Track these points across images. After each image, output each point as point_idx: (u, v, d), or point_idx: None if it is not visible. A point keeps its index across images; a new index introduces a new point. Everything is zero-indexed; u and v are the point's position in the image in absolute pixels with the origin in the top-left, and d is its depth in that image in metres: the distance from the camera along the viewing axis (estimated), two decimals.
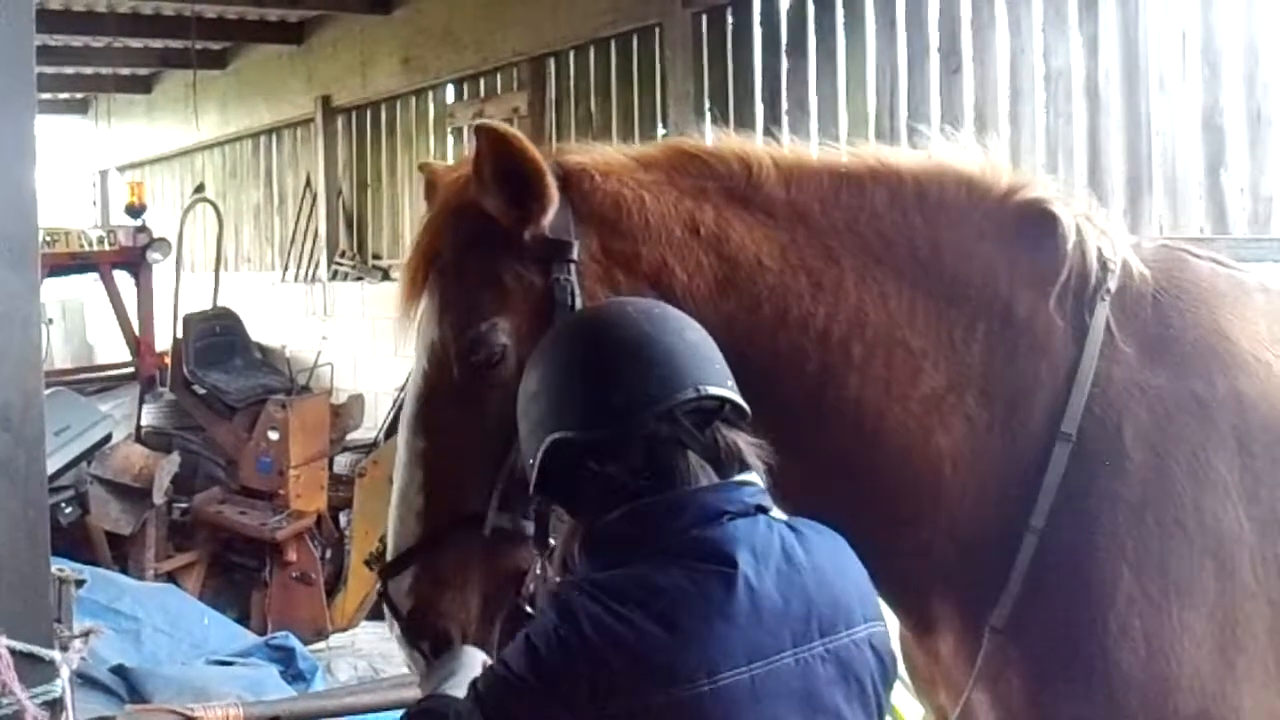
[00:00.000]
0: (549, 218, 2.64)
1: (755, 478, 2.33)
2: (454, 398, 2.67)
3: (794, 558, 2.24)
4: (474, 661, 2.56)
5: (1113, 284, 2.75)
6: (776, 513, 2.37)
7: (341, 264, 15.18)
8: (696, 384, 2.30)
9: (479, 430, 2.64)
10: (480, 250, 2.69)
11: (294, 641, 7.25)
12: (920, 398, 2.72)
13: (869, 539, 2.74)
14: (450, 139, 13.71)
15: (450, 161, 13.31)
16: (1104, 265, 2.77)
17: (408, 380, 2.82)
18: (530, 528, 2.61)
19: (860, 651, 2.26)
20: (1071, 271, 2.75)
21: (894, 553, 2.78)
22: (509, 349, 2.62)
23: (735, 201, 2.76)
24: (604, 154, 2.82)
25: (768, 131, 9.80)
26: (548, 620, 2.20)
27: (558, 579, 2.41)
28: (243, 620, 9.20)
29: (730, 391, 2.34)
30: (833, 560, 2.31)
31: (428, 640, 2.66)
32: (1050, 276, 2.75)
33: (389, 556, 2.72)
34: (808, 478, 2.70)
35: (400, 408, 8.62)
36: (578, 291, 2.64)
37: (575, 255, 2.65)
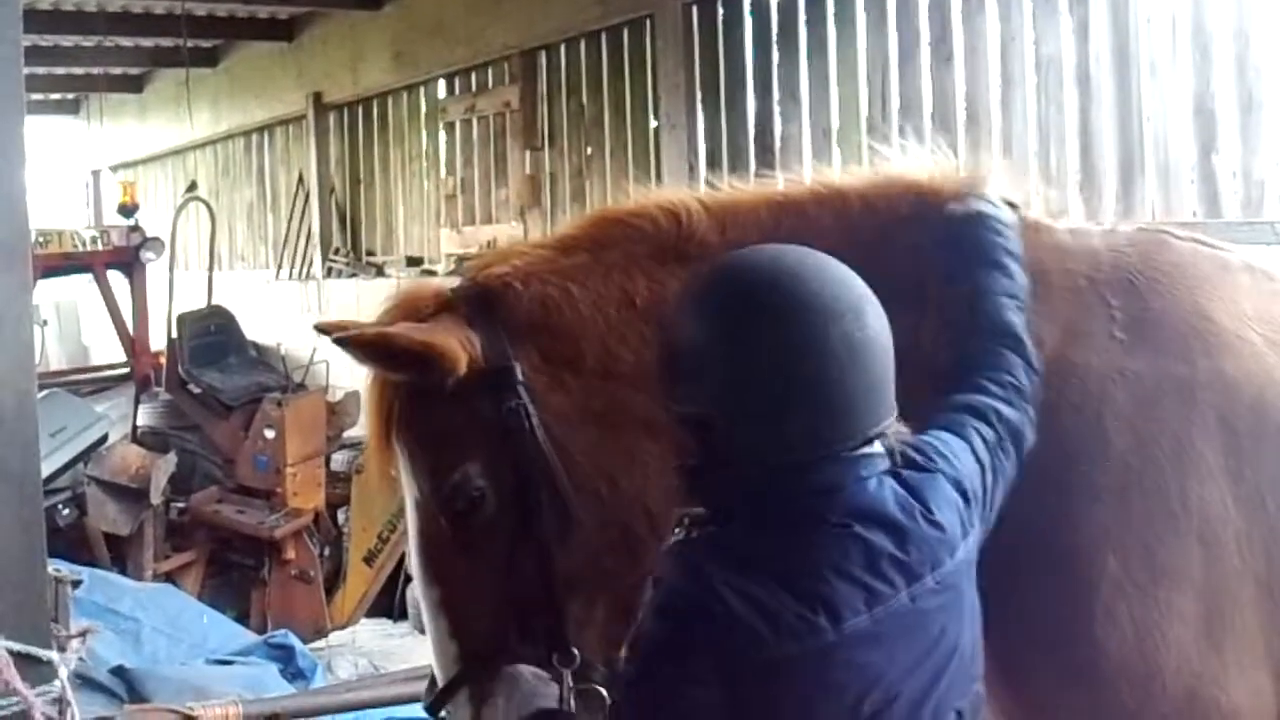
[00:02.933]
0: (463, 367, 2.61)
1: (877, 447, 2.31)
2: (450, 546, 2.69)
3: (907, 507, 2.28)
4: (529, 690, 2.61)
5: (1082, 270, 2.75)
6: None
7: (335, 261, 15.17)
8: (866, 430, 2.27)
9: (481, 570, 2.67)
10: (428, 401, 2.68)
11: (293, 640, 7.25)
12: None
13: None
14: (442, 134, 13.70)
15: (443, 154, 13.31)
16: (1065, 253, 2.76)
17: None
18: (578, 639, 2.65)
19: (965, 568, 2.35)
20: (1033, 261, 2.73)
21: None
22: (486, 489, 2.63)
23: (669, 258, 2.73)
24: (523, 255, 2.80)
25: (760, 123, 9.83)
26: (680, 586, 2.24)
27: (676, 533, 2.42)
28: (242, 619, 9.20)
29: (888, 424, 2.31)
30: (935, 498, 2.33)
31: None
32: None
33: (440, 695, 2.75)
34: None
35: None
36: (532, 410, 2.63)
37: (519, 375, 2.65)
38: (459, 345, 2.62)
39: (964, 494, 2.37)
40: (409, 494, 2.77)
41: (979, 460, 2.44)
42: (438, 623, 2.73)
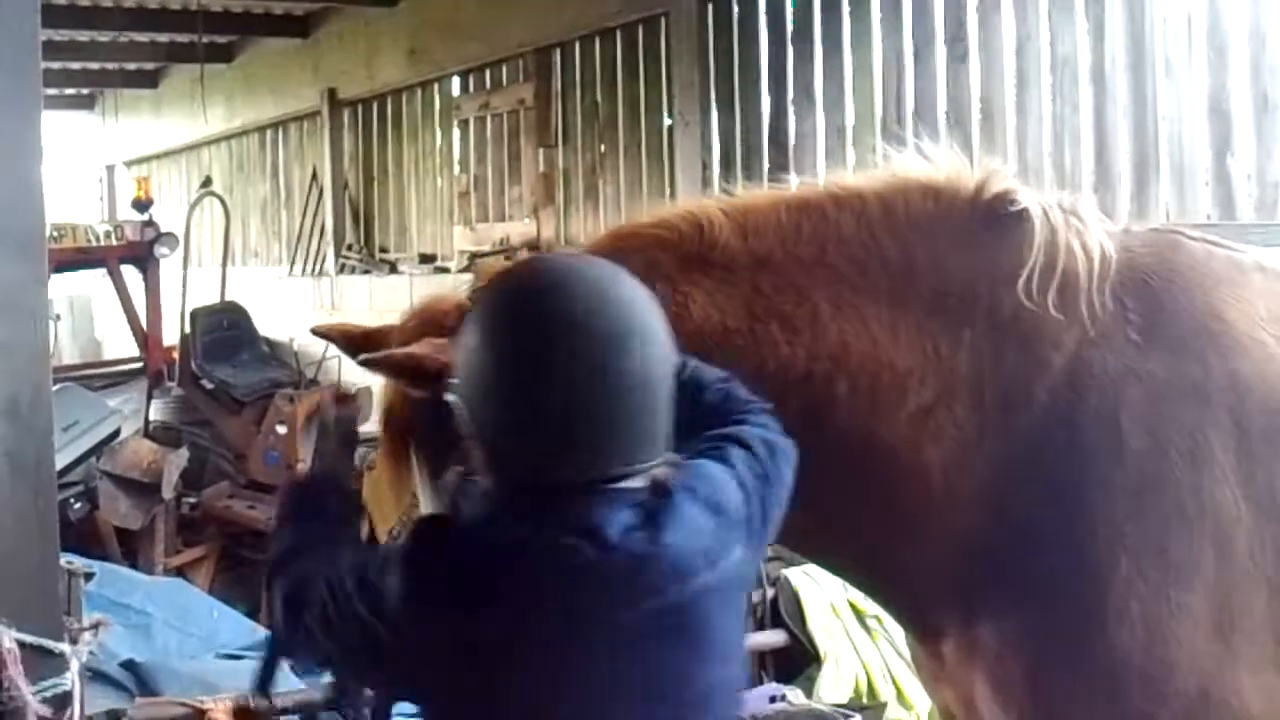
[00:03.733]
0: None
1: (634, 483, 2.22)
2: None
3: (633, 531, 2.17)
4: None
5: (1099, 271, 2.73)
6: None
7: (348, 257, 15.19)
8: (617, 465, 2.18)
9: None
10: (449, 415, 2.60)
11: None
12: (908, 416, 2.70)
13: (868, 555, 2.76)
14: (456, 131, 13.70)
15: (457, 152, 13.31)
16: (1086, 253, 2.74)
17: None
18: None
19: (705, 594, 2.22)
20: (1049, 264, 2.72)
21: (893, 566, 2.79)
22: None
23: (692, 267, 2.70)
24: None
25: (774, 121, 9.83)
26: (396, 567, 2.20)
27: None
28: (252, 614, 9.18)
29: (649, 466, 2.23)
30: (671, 521, 2.19)
31: None
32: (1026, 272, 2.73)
33: None
34: (801, 507, 2.73)
35: None
36: None
37: None
38: None
39: (718, 513, 2.23)
40: (427, 504, 2.73)
41: (742, 484, 2.29)
42: None
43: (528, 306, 2.21)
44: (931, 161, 2.85)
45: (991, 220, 2.77)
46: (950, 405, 2.70)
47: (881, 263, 2.73)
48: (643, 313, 2.24)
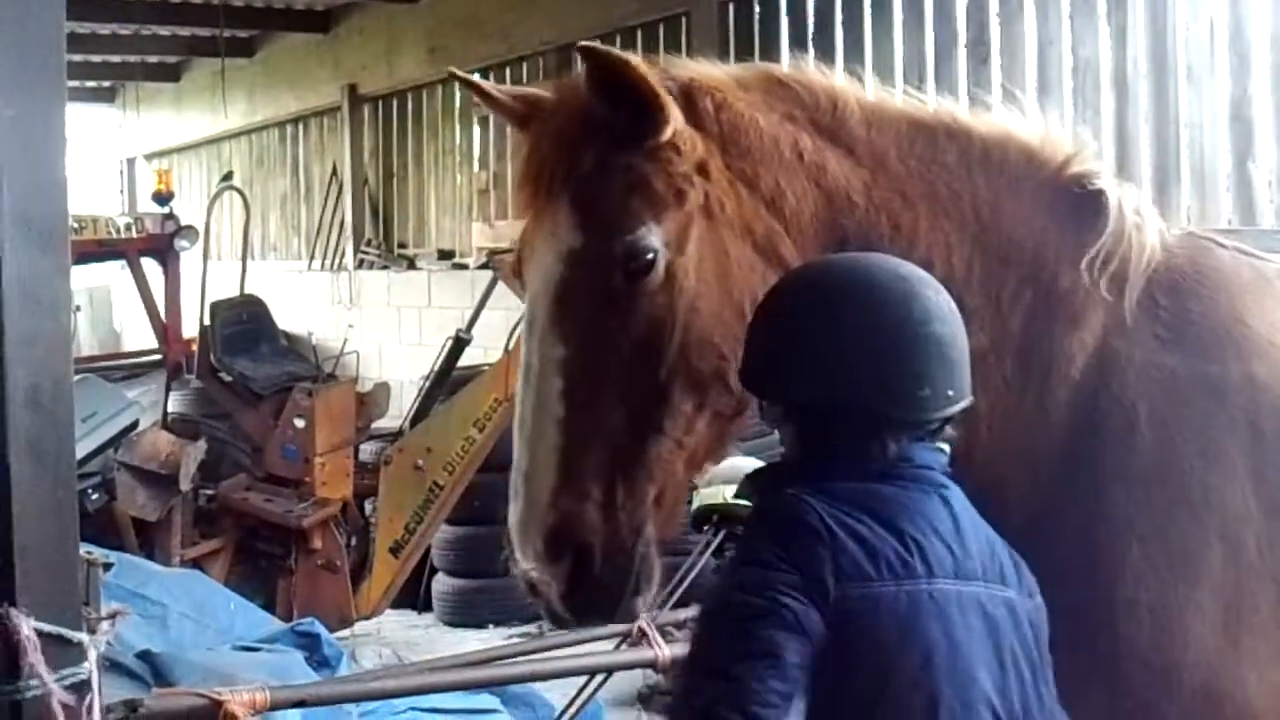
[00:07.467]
0: (668, 134, 2.62)
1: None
2: (601, 305, 2.63)
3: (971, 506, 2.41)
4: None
5: (1145, 268, 2.80)
6: None
7: (367, 253, 15.22)
8: (953, 399, 2.39)
9: (629, 339, 2.62)
10: (621, 157, 2.65)
11: (319, 628, 7.24)
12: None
13: None
14: (476, 128, 13.72)
15: (476, 149, 13.32)
16: (1141, 248, 2.81)
17: (529, 294, 2.74)
18: (678, 435, 2.65)
19: (1019, 607, 2.40)
20: (1111, 252, 2.79)
21: None
22: (659, 255, 2.60)
23: (823, 134, 2.80)
24: (707, 71, 2.83)
25: None
26: (781, 514, 2.29)
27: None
28: (268, 607, 9.20)
29: (966, 404, 2.42)
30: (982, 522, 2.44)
31: (568, 559, 2.60)
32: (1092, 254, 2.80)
33: (521, 467, 2.65)
34: None
35: (424, 395, 8.50)
36: (725, 203, 2.68)
37: (710, 169, 2.68)
38: (676, 113, 2.64)
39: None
40: (560, 249, 2.68)
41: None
42: (549, 383, 2.63)
43: (859, 277, 2.42)
44: (1033, 121, 2.95)
45: (1071, 193, 2.85)
46: (1001, 357, 2.76)
47: (973, 200, 2.82)
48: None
